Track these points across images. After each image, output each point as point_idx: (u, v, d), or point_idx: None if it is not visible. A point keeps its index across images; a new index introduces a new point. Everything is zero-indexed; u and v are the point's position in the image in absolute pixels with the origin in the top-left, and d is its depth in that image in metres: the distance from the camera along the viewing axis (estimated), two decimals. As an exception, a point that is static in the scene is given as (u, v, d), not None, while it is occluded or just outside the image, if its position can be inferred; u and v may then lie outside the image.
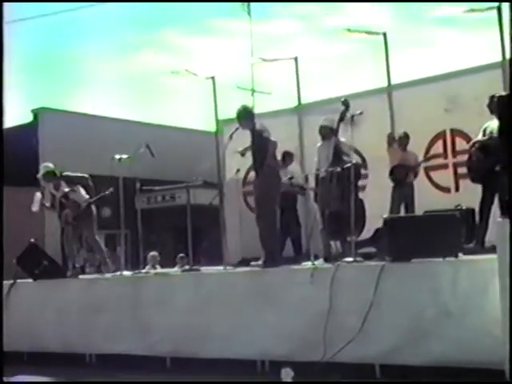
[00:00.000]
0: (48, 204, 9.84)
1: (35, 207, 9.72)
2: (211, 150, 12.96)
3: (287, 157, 10.61)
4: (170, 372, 7.51)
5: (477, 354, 5.59)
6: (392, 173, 9.71)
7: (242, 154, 8.52)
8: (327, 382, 5.70)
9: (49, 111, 20.76)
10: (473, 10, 10.18)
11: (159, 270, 11.89)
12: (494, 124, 7.61)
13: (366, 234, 8.27)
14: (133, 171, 8.98)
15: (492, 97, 7.55)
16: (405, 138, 9.92)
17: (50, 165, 9.88)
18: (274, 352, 6.86)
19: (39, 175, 9.83)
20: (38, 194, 9.81)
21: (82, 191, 9.74)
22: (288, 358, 6.66)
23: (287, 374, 5.65)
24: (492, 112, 7.64)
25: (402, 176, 9.63)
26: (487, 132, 7.78)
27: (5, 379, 6.62)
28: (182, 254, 12.36)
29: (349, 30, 11.44)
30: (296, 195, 10.53)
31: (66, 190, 9.64)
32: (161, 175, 15.82)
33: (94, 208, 9.80)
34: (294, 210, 10.51)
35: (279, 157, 9.84)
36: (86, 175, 9.76)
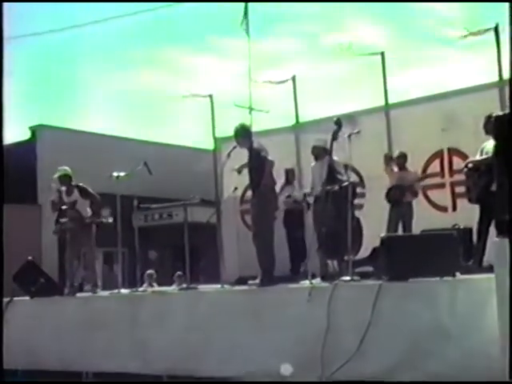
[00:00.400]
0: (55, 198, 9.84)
1: (54, 197, 9.73)
2: (209, 167, 12.98)
3: (290, 174, 10.62)
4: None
5: (474, 374, 5.57)
6: (388, 194, 9.74)
7: (239, 171, 8.55)
8: (327, 382, 5.67)
9: (47, 128, 20.82)
10: (471, 34, 10.24)
11: (156, 288, 11.88)
12: (490, 144, 7.64)
13: (364, 253, 8.28)
14: (130, 189, 8.99)
15: (488, 117, 7.57)
16: (401, 157, 9.95)
17: (68, 169, 9.87)
18: (272, 371, 6.82)
19: (55, 176, 9.80)
20: (54, 185, 9.83)
21: (88, 209, 9.71)
22: (285, 378, 6.65)
23: (286, 369, 5.64)
24: (487, 132, 7.67)
25: (397, 197, 9.65)
26: (484, 152, 7.81)
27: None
28: (179, 272, 12.36)
29: (347, 49, 11.47)
30: (302, 211, 10.49)
31: (77, 199, 9.63)
32: (158, 193, 15.83)
33: (94, 227, 9.75)
34: (302, 226, 10.48)
35: (281, 175, 9.87)
36: (98, 196, 9.71)
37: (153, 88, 34.95)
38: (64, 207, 9.63)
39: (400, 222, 9.57)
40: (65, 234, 9.79)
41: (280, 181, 10.48)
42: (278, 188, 10.09)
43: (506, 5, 5.20)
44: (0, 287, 8.27)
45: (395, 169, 9.90)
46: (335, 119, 8.01)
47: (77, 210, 9.61)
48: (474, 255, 7.64)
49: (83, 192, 9.65)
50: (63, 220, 9.63)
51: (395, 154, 10.04)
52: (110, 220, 9.45)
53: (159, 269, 14.54)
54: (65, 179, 9.75)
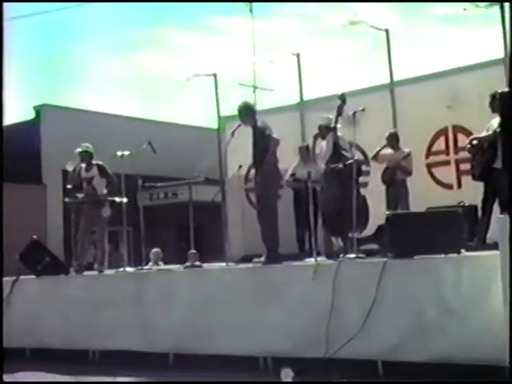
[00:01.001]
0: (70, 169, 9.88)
1: (70, 167, 9.77)
2: (213, 146, 12.97)
3: (303, 152, 10.46)
4: (172, 368, 7.53)
5: (479, 351, 5.59)
6: (382, 175, 9.73)
7: (233, 133, 8.40)
8: (327, 382, 5.70)
9: (51, 108, 20.78)
10: (476, 6, 10.18)
11: (162, 266, 11.90)
12: (495, 121, 7.60)
13: (369, 230, 8.28)
14: (135, 168, 8.98)
15: (493, 95, 7.53)
16: (390, 137, 9.86)
17: (91, 146, 9.87)
18: (277, 348, 6.87)
19: (77, 150, 9.80)
20: (71, 163, 9.89)
21: (104, 189, 9.72)
22: (290, 355, 6.69)
23: (287, 374, 5.67)
24: (493, 111, 7.63)
25: (389, 177, 9.62)
26: (490, 130, 7.77)
27: (7, 376, 6.63)
28: (193, 250, 12.25)
29: (352, 23, 11.41)
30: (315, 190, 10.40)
31: (94, 176, 9.65)
32: (163, 172, 15.80)
33: (107, 206, 9.74)
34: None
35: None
36: (116, 179, 9.70)
37: (155, 68, 34.82)
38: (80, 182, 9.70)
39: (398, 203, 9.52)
40: (78, 209, 9.81)
41: (296, 158, 10.47)
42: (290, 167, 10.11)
43: (506, 5, 5.16)
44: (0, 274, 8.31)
45: (388, 150, 9.82)
46: (339, 94, 7.95)
47: (93, 186, 9.64)
48: (478, 232, 7.63)
49: (102, 170, 9.66)
50: (79, 195, 9.66)
51: (385, 134, 9.93)
52: (124, 200, 9.43)
53: (165, 247, 14.53)
54: (85, 155, 9.77)
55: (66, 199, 10.08)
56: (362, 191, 8.47)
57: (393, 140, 9.79)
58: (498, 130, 7.18)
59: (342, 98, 7.89)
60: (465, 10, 10.21)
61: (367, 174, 10.20)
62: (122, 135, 15.44)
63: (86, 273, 9.44)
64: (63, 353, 8.30)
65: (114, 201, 9.50)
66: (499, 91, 6.62)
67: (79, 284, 8.83)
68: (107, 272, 9.34)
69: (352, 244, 7.33)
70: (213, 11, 39.14)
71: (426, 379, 5.84)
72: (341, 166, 7.87)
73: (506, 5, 9.25)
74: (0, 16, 7.13)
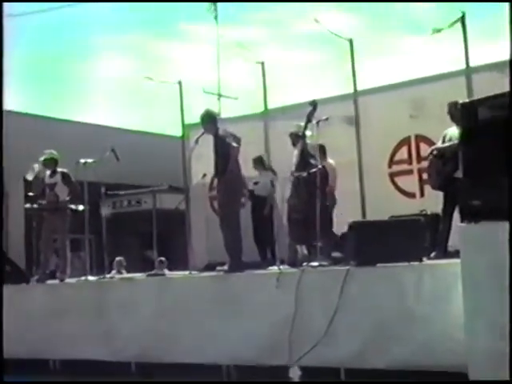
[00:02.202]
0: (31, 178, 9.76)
1: (30, 176, 9.62)
2: (177, 154, 12.93)
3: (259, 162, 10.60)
4: (135, 377, 7.49)
5: (440, 357, 5.64)
6: None
7: (197, 141, 8.40)
8: (331, 382, 5.71)
9: (11, 114, 20.48)
10: (438, 31, 10.33)
11: (125, 274, 11.82)
12: (453, 131, 7.71)
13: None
14: (98, 176, 8.92)
15: (454, 104, 7.63)
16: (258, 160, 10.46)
17: (55, 153, 9.74)
18: (240, 356, 6.86)
19: (41, 158, 9.67)
20: (37, 166, 9.71)
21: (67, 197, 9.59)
22: (254, 363, 6.71)
23: (295, 372, 5.67)
24: (452, 118, 7.74)
25: None
26: (446, 139, 7.86)
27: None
28: (161, 258, 12.15)
29: (316, 21, 11.44)
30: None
31: (57, 182, 9.53)
32: (126, 180, 15.70)
33: (69, 214, 9.63)
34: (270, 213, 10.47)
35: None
36: (79, 187, 9.58)
37: (119, 75, 34.54)
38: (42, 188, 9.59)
39: None
40: (40, 218, 9.69)
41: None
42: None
43: (506, 5, 5.24)
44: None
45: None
46: (310, 101, 7.92)
47: (55, 193, 9.52)
48: (439, 241, 7.69)
49: (66, 178, 9.53)
50: (41, 201, 9.54)
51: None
52: (81, 208, 9.34)
53: (128, 255, 14.42)
54: (50, 162, 9.65)
55: (27, 205, 9.93)
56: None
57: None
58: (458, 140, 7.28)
59: (313, 104, 7.85)
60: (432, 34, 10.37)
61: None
62: (84, 142, 15.28)
63: (48, 282, 9.32)
64: (24, 362, 8.17)
65: (75, 209, 9.41)
66: (461, 102, 6.71)
67: (40, 293, 8.73)
68: (69, 280, 9.23)
69: (316, 252, 7.35)
70: (178, 18, 38.94)
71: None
72: (305, 174, 7.90)
73: (469, 16, 9.43)
74: (0, 16, 7.06)
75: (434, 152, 8.01)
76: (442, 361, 5.61)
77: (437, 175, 7.94)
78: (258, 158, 10.82)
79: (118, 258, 12.84)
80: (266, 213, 10.24)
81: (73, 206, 9.41)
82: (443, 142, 7.94)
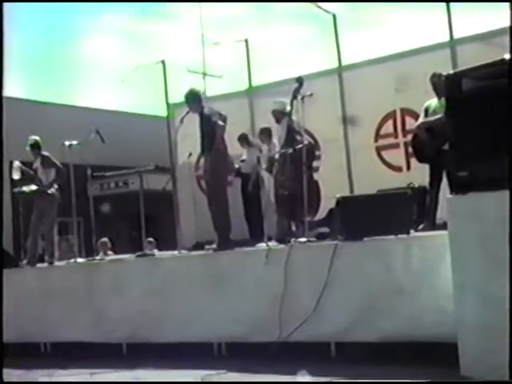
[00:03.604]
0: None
1: (16, 175, 9.56)
2: (162, 134, 12.87)
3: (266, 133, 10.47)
4: (126, 358, 7.50)
5: (429, 329, 5.67)
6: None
7: (181, 120, 8.35)
8: (336, 382, 5.73)
9: (-4, 98, 20.34)
10: None
11: (112, 256, 11.78)
12: (434, 103, 7.72)
13: (321, 214, 8.33)
14: (84, 158, 8.87)
15: (436, 75, 7.64)
16: (243, 138, 10.59)
17: (37, 138, 9.65)
18: (230, 334, 6.88)
19: (27, 148, 9.57)
20: (17, 162, 9.64)
21: (52, 177, 9.54)
22: (244, 340, 6.73)
23: (303, 375, 5.70)
24: (434, 90, 7.74)
25: None
26: (430, 111, 7.85)
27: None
28: (150, 239, 12.09)
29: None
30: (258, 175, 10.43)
31: (38, 167, 9.48)
32: (112, 161, 15.62)
33: (57, 196, 9.58)
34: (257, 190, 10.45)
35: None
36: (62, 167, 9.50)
37: (103, 56, 34.28)
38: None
39: None
40: (27, 202, 9.62)
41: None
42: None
43: (506, 5, 5.21)
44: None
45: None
46: (297, 77, 7.88)
47: (39, 177, 9.46)
48: (427, 214, 7.71)
49: (45, 160, 9.47)
50: (26, 187, 9.49)
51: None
52: (53, 190, 9.30)
53: (116, 237, 14.41)
54: (34, 149, 9.57)
55: (14, 189, 9.87)
56: (315, 175, 8.53)
57: (264, 134, 9.94)
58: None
59: (300, 80, 7.80)
60: None
61: (318, 158, 10.25)
62: (69, 125, 15.19)
63: (37, 265, 9.30)
64: (14, 346, 8.15)
65: (46, 192, 9.34)
66: (445, 73, 6.69)
67: (29, 276, 8.72)
68: (58, 263, 9.21)
69: (304, 228, 7.35)
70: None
71: (378, 358, 5.90)
72: (290, 150, 7.88)
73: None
74: (0, 16, 7.00)
75: (423, 126, 7.97)
76: (432, 332, 5.63)
77: (425, 148, 7.92)
78: (243, 136, 10.80)
79: (102, 240, 12.69)
80: (249, 189, 10.23)
81: (48, 191, 9.33)
82: (426, 115, 7.93)
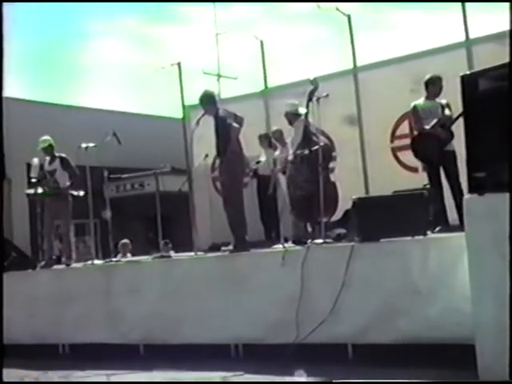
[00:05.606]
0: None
1: (35, 173, 9.62)
2: (178, 136, 12.91)
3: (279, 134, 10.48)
4: (143, 359, 7.52)
5: (447, 331, 5.65)
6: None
7: (197, 122, 8.36)
8: (340, 382, 5.73)
9: (13, 101, 20.45)
10: None
11: (130, 258, 11.82)
12: (422, 102, 8.18)
13: (338, 215, 8.32)
14: (100, 160, 8.91)
15: (437, 78, 8.11)
16: (264, 137, 10.54)
17: (50, 138, 9.74)
18: (247, 335, 6.89)
19: (39, 148, 9.68)
20: (36, 160, 9.71)
21: (67, 182, 9.58)
22: (261, 341, 6.74)
23: (300, 375, 5.71)
24: (427, 88, 8.17)
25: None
26: (420, 111, 8.13)
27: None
28: (166, 240, 12.11)
29: (319, 7, 11.39)
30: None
31: (57, 168, 9.55)
32: (129, 163, 15.71)
33: (71, 199, 9.63)
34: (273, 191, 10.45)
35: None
36: (78, 171, 9.56)
37: (119, 59, 34.42)
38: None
39: None
40: (43, 204, 9.69)
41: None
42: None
43: (507, 5, 5.19)
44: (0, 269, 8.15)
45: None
46: (312, 79, 7.87)
47: (55, 179, 9.52)
48: (438, 216, 7.66)
49: (65, 163, 9.54)
50: (40, 188, 9.54)
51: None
52: (82, 193, 9.36)
53: (133, 239, 14.42)
54: (47, 149, 9.66)
55: (27, 191, 9.91)
56: (331, 177, 8.52)
57: (277, 136, 10.05)
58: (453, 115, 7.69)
59: (315, 83, 7.80)
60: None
61: (334, 159, 10.23)
62: (86, 127, 15.26)
63: (54, 267, 9.35)
64: (32, 348, 8.23)
65: (77, 195, 9.42)
66: (461, 74, 6.68)
67: (47, 278, 8.76)
68: (75, 265, 9.27)
69: (320, 229, 7.35)
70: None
71: (395, 360, 5.89)
72: (306, 152, 7.88)
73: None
74: (0, 16, 7.05)
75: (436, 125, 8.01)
76: (449, 334, 5.62)
77: (430, 148, 7.98)
78: (265, 136, 10.77)
79: (123, 241, 12.79)
80: (269, 192, 10.23)
81: (74, 192, 9.42)
82: (418, 114, 8.19)
